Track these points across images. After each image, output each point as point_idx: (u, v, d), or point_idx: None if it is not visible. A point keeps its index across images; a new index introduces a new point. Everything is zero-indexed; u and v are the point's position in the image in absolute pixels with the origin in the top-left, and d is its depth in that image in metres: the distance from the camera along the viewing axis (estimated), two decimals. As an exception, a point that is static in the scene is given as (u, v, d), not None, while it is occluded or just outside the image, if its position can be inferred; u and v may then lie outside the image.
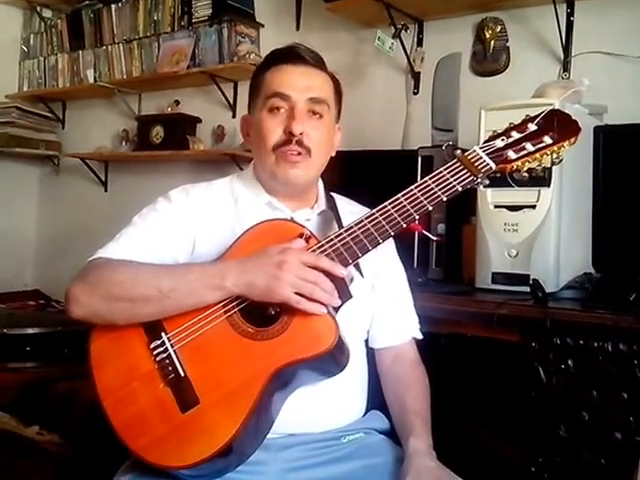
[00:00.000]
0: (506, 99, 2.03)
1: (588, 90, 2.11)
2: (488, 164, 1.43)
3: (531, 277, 1.87)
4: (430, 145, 2.39)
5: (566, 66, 2.63)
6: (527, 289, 1.84)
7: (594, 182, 2.11)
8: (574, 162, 1.95)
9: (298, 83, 1.57)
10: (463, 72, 2.64)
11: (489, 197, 2.00)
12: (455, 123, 2.38)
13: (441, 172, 1.43)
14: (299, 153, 1.54)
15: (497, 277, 1.99)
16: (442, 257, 2.27)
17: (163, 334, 1.40)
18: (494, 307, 1.78)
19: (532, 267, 1.92)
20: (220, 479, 1.39)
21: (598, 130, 2.11)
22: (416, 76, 3.06)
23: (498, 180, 1.87)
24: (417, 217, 1.41)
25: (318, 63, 1.63)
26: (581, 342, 1.66)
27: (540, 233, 1.92)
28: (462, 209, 2.20)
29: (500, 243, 1.98)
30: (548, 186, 1.91)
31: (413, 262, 2.26)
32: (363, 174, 2.55)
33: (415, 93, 3.07)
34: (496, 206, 2.00)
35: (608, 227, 2.10)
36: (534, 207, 1.93)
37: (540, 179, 1.90)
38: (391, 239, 1.66)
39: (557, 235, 1.92)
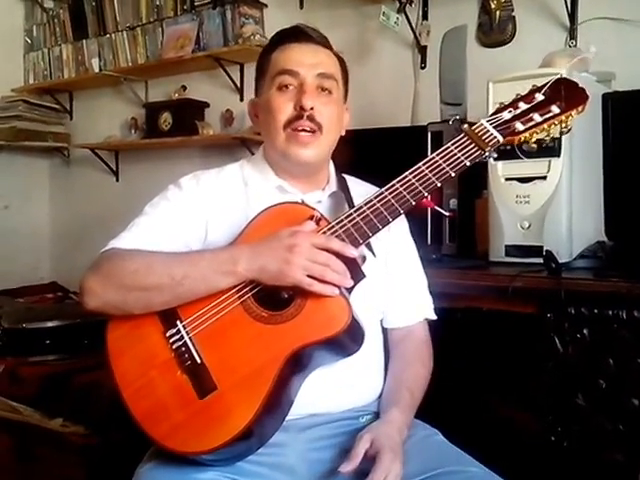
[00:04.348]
0: (514, 69, 2.01)
1: (595, 57, 2.09)
2: (495, 137, 1.42)
3: (544, 248, 1.86)
4: (439, 120, 2.38)
5: (573, 34, 2.62)
6: (541, 260, 1.83)
7: (604, 149, 2.10)
8: (583, 130, 1.94)
9: (306, 60, 1.57)
10: (470, 44, 2.61)
11: (500, 170, 2.00)
12: (463, 96, 2.36)
13: (448, 147, 1.43)
14: (311, 130, 1.54)
15: (510, 250, 1.98)
16: (455, 232, 2.27)
17: (178, 322, 1.41)
18: (508, 280, 1.78)
19: (545, 238, 1.91)
20: (242, 461, 1.40)
21: (607, 97, 2.10)
22: (423, 50, 3.05)
23: (508, 152, 1.87)
24: (426, 194, 1.41)
25: (324, 41, 1.63)
26: (596, 311, 1.66)
27: (552, 204, 1.91)
28: (473, 183, 2.20)
29: (512, 215, 1.98)
30: (558, 156, 1.90)
31: (427, 239, 2.26)
32: (373, 152, 2.55)
33: (422, 67, 3.06)
34: (507, 179, 1.99)
35: (620, 194, 2.09)
36: (545, 178, 1.92)
37: (550, 149, 1.89)
38: (404, 218, 1.68)
39: (569, 205, 1.92)
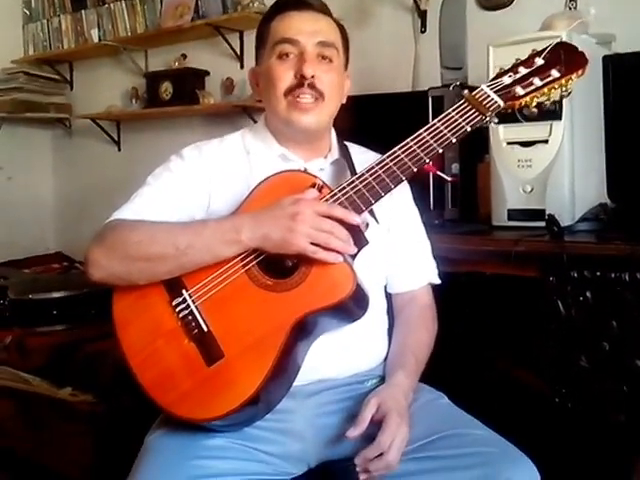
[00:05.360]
0: (514, 33, 2.01)
1: (596, 19, 2.09)
2: (496, 102, 1.43)
3: (547, 212, 1.87)
4: (440, 85, 2.37)
5: (573, -5, 2.60)
6: (543, 224, 1.84)
7: (605, 111, 2.09)
8: (584, 93, 1.94)
9: (306, 28, 1.56)
10: (470, 7, 2.60)
11: (501, 134, 2.00)
12: (464, 61, 2.35)
13: (449, 113, 1.44)
14: (314, 97, 1.54)
15: (513, 214, 1.99)
16: (457, 197, 2.27)
17: (184, 291, 1.42)
18: (511, 244, 1.79)
19: (547, 201, 1.92)
20: (251, 427, 1.43)
21: (607, 59, 2.08)
22: (422, 14, 3.01)
23: (509, 116, 1.87)
24: (427, 160, 1.41)
25: (324, 8, 1.62)
26: (598, 274, 1.67)
27: (554, 167, 1.91)
28: (475, 147, 2.19)
29: (514, 179, 1.98)
30: (559, 119, 1.90)
31: (429, 204, 2.26)
32: (375, 118, 2.54)
33: (423, 32, 3.03)
34: (509, 143, 1.99)
35: (621, 156, 2.09)
36: (546, 142, 1.92)
37: (551, 113, 1.89)
38: (406, 184, 1.68)
39: (571, 168, 1.92)
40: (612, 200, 2.07)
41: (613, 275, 1.64)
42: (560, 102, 1.86)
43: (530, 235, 1.83)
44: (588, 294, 1.69)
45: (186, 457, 1.36)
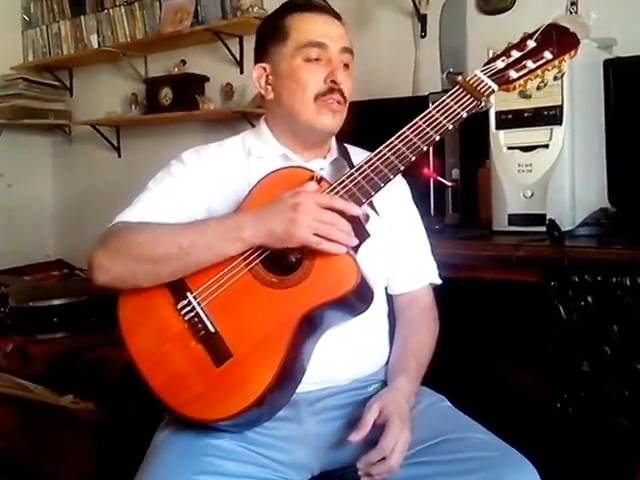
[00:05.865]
0: (514, 37, 1.99)
1: (596, 23, 2.08)
2: (490, 86, 1.43)
3: (547, 216, 1.87)
4: (440, 90, 2.37)
5: (573, -1, 2.59)
6: (544, 229, 1.84)
7: (606, 116, 2.10)
8: (585, 97, 1.94)
9: (331, 33, 1.57)
10: (470, 11, 2.60)
11: (502, 139, 2.00)
12: (464, 65, 2.36)
13: (444, 100, 1.44)
14: (341, 103, 1.56)
15: (513, 219, 1.99)
16: (458, 202, 2.28)
17: (188, 293, 1.42)
18: (512, 249, 1.79)
19: (548, 206, 1.92)
20: (256, 433, 1.44)
21: (608, 63, 2.09)
22: (423, 19, 3.01)
23: (510, 121, 1.88)
24: (425, 148, 1.41)
25: (337, 14, 1.63)
26: (599, 278, 1.67)
27: (554, 172, 1.91)
28: (476, 152, 2.20)
29: (515, 184, 1.98)
30: (560, 124, 1.90)
31: (430, 209, 2.27)
32: (375, 123, 2.53)
33: (423, 36, 3.02)
34: (509, 147, 1.99)
35: (622, 160, 2.09)
36: (547, 146, 1.92)
37: (552, 117, 1.90)
38: (406, 185, 1.70)
39: (571, 173, 1.92)
40: (613, 205, 2.07)
41: (614, 280, 1.65)
42: (561, 106, 1.86)
43: (531, 240, 1.83)
44: (589, 299, 1.69)
45: (196, 454, 1.37)
